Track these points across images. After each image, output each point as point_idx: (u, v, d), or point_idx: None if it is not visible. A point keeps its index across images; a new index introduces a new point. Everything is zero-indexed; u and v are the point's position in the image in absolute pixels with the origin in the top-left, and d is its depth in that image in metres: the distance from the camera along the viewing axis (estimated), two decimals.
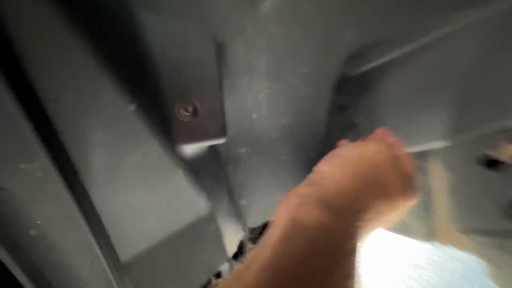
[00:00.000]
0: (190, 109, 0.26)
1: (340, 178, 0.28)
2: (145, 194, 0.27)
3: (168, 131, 0.26)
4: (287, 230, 0.24)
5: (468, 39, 0.40)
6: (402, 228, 0.80)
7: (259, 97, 0.37)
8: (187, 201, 0.30)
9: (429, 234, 0.75)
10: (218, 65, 0.29)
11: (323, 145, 0.43)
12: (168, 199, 0.28)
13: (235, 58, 0.31)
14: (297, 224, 0.25)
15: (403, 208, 0.31)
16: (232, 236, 0.42)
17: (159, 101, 0.26)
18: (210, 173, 0.37)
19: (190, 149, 0.30)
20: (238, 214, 0.43)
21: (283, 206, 0.28)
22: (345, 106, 0.51)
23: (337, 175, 0.29)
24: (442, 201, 0.70)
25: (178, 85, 0.26)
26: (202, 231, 0.34)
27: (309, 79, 0.37)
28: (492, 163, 0.58)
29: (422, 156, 0.70)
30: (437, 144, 0.51)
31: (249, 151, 0.41)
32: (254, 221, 0.46)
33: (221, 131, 0.29)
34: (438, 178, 0.68)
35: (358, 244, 0.25)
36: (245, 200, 0.43)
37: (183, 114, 0.26)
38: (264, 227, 0.62)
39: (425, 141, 0.50)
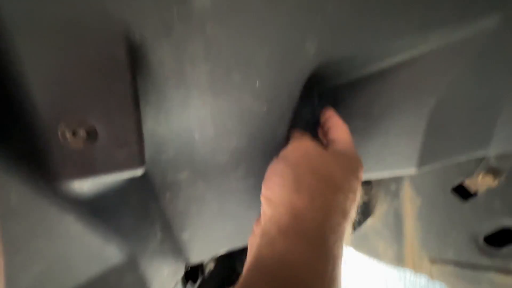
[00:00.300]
0: (82, 132, 0.19)
1: (288, 199, 0.27)
2: (22, 249, 0.19)
3: (47, 162, 0.19)
4: (250, 275, 0.23)
5: (442, 62, 0.35)
6: (373, 252, 0.76)
7: (201, 115, 0.30)
8: (85, 253, 0.23)
9: (399, 260, 0.71)
10: (132, 73, 0.22)
11: None
12: (55, 252, 0.21)
13: (163, 66, 0.24)
14: (259, 265, 0.23)
15: (360, 182, 0.30)
16: (167, 278, 0.35)
17: (33, 119, 0.18)
18: (133, 208, 0.30)
19: (90, 184, 0.23)
20: (177, 250, 0.37)
21: (250, 249, 0.27)
22: (317, 123, 0.46)
23: (284, 197, 0.27)
24: (412, 227, 0.66)
25: (62, 98, 0.19)
26: (114, 286, 0.26)
27: (264, 95, 0.31)
28: (466, 193, 0.55)
29: (395, 179, 0.67)
30: (408, 171, 0.46)
31: (192, 176, 0.34)
32: (199, 256, 0.39)
33: (136, 161, 0.23)
34: (410, 203, 0.65)
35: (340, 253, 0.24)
36: (187, 232, 0.36)
37: (71, 139, 0.19)
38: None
39: (396, 167, 0.46)
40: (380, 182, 0.71)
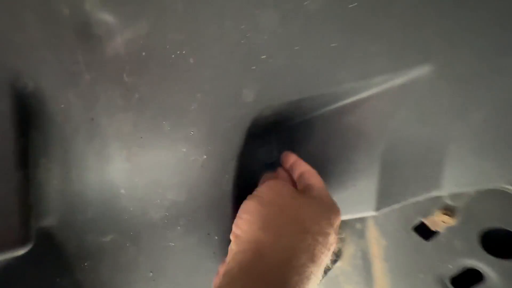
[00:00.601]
0: None
1: (254, 236, 0.26)
2: None
3: None
4: None
5: (385, 106, 0.36)
6: None
7: (126, 168, 0.26)
8: None
9: None
10: (19, 129, 0.18)
11: (230, 222, 0.33)
12: None
13: (69, 117, 0.21)
14: None
15: (334, 228, 0.29)
16: None
17: None
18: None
19: None
20: None
21: None
22: (276, 163, 0.44)
23: (251, 234, 0.27)
24: (381, 269, 0.63)
25: None
26: None
27: (201, 143, 0.29)
28: (428, 232, 0.54)
29: (360, 220, 0.65)
30: (368, 213, 0.44)
31: (119, 238, 0.29)
32: None
33: (16, 238, 0.18)
34: (376, 243, 0.62)
35: None
36: None
37: None
38: None
39: (355, 211, 0.44)
40: (346, 221, 0.69)
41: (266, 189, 0.31)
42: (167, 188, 0.29)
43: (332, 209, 0.31)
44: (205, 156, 0.29)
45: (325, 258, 0.27)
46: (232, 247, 0.28)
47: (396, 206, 0.43)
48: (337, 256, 0.68)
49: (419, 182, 0.41)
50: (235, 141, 0.31)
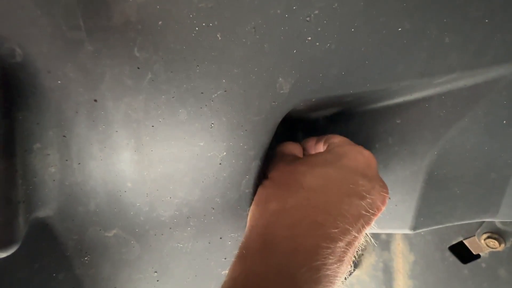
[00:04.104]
0: None
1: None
2: None
3: None
4: None
5: (448, 109, 0.29)
6: None
7: (134, 159, 0.23)
8: None
9: None
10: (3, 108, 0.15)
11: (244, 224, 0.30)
12: None
13: (68, 96, 0.17)
14: None
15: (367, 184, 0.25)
16: None
17: None
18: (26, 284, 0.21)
19: None
20: None
21: None
22: None
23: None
24: (403, 285, 0.58)
25: None
26: None
27: (221, 138, 0.24)
28: (466, 254, 0.48)
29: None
30: (401, 231, 0.39)
31: (123, 234, 0.26)
32: None
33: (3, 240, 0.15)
34: (402, 258, 0.57)
35: None
36: None
37: None
38: None
39: (387, 227, 0.38)
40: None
41: (282, 171, 0.27)
42: (179, 184, 0.25)
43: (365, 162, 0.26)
44: (224, 153, 0.25)
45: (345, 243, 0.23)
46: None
47: (437, 227, 0.37)
48: (355, 264, 0.64)
49: (471, 204, 0.35)
50: (261, 139, 0.26)
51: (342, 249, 0.23)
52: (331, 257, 0.21)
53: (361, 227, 0.24)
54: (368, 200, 0.24)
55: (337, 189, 0.24)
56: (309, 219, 0.22)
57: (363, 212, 0.24)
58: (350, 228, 0.23)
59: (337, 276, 0.22)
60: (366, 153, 0.27)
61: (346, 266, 0.24)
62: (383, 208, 0.26)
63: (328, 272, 0.21)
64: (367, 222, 0.24)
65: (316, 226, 0.22)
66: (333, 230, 0.22)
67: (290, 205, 0.24)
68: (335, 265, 0.22)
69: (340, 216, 0.23)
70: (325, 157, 0.27)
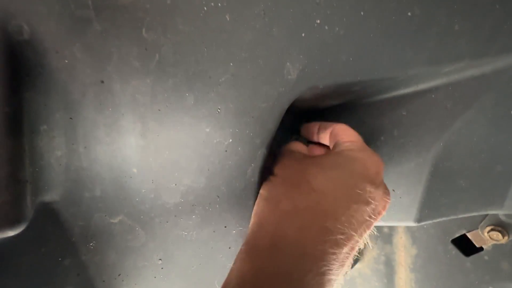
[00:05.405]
0: None
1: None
2: None
3: None
4: None
5: (455, 99, 0.29)
6: None
7: (140, 145, 0.22)
8: None
9: None
10: (8, 88, 0.14)
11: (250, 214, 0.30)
12: None
13: (76, 77, 0.17)
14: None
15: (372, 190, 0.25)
16: None
17: None
18: (29, 269, 0.21)
19: None
20: None
21: None
22: None
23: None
24: (406, 278, 0.58)
25: None
26: None
27: (228, 124, 0.24)
28: (469, 247, 0.48)
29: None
30: (405, 224, 0.39)
31: (128, 221, 0.26)
32: None
33: (5, 219, 0.15)
34: (404, 251, 0.57)
35: None
36: None
37: None
38: None
39: (391, 220, 0.38)
40: None
41: (287, 169, 0.28)
42: (185, 172, 0.25)
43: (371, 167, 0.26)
44: (230, 140, 0.25)
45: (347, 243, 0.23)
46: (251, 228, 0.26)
47: (441, 219, 0.37)
48: (357, 257, 0.64)
49: (476, 197, 0.34)
50: (267, 126, 0.26)
51: (346, 254, 0.23)
52: (335, 262, 0.22)
53: (363, 232, 0.24)
54: (372, 206, 0.24)
55: (346, 194, 0.24)
56: (319, 223, 0.23)
57: (367, 217, 0.24)
58: (355, 234, 0.23)
59: (337, 279, 0.23)
60: (376, 158, 0.27)
61: (345, 269, 0.24)
62: (384, 213, 0.26)
63: (332, 277, 0.22)
64: (368, 227, 0.25)
65: (325, 232, 0.22)
66: (339, 237, 0.22)
67: (301, 207, 0.24)
68: (338, 270, 0.22)
69: (347, 223, 0.23)
70: (336, 160, 0.27)
